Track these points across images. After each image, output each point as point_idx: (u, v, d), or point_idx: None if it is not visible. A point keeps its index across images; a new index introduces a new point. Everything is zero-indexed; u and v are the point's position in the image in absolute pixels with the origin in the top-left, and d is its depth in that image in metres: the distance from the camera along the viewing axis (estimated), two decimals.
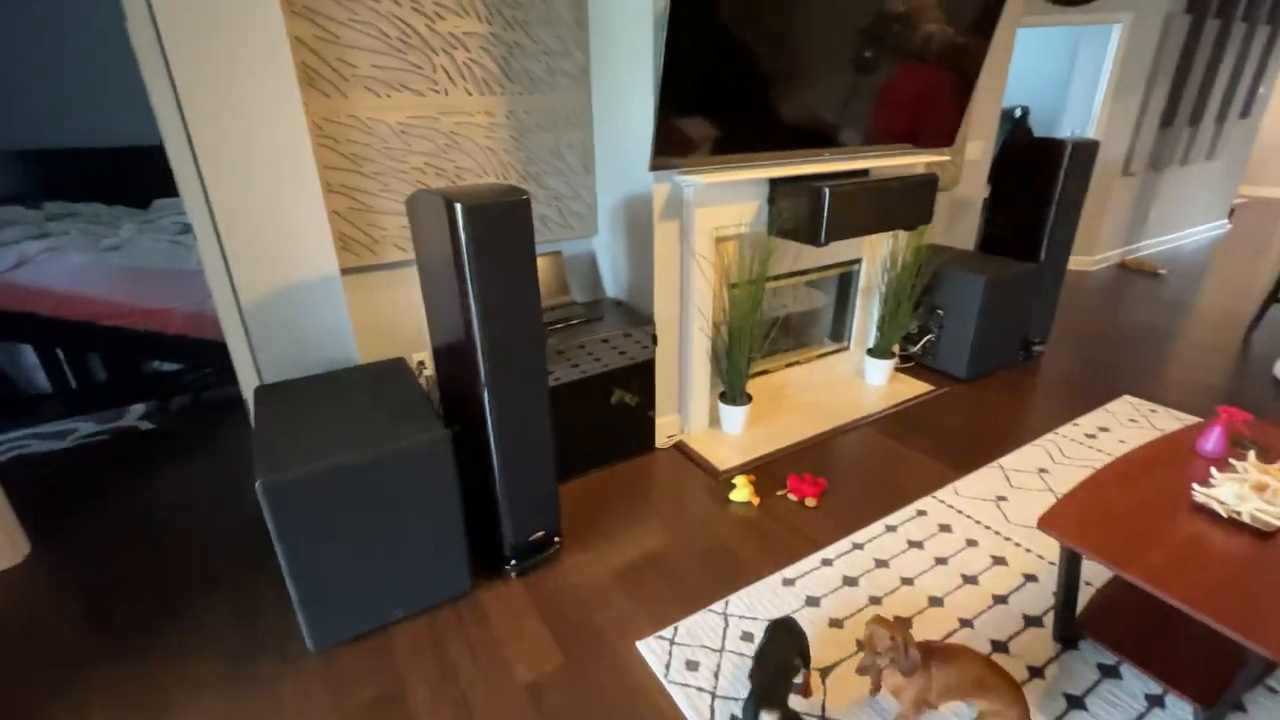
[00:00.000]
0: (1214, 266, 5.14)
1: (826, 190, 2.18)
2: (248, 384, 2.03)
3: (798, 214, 2.31)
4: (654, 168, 2.07)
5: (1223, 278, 4.83)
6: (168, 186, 3.76)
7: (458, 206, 1.43)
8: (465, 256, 1.48)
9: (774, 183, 2.39)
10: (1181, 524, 1.43)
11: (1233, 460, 1.62)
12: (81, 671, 1.62)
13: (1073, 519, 1.46)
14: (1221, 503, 1.45)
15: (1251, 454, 1.60)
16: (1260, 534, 1.38)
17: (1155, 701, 1.46)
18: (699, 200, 2.25)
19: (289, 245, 1.88)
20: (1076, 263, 5.07)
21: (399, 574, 1.68)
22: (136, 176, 4.00)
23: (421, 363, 2.36)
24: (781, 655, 1.35)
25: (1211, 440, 1.67)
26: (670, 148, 2.06)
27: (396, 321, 2.31)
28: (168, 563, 2.01)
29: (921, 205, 2.49)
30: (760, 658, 1.37)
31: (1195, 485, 1.52)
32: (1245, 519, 1.41)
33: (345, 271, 2.17)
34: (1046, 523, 1.45)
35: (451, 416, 1.95)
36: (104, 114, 3.55)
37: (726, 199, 2.32)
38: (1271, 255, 5.40)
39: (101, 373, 2.93)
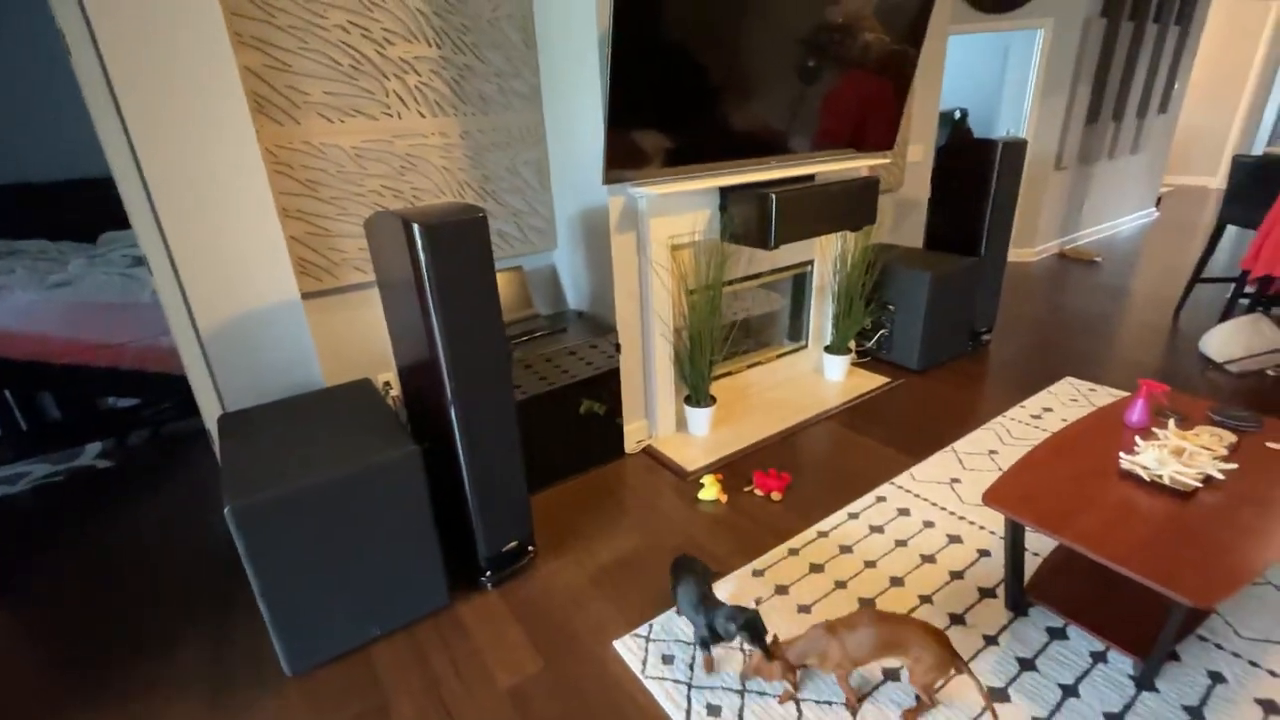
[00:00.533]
0: (1145, 252, 5.44)
1: (774, 196, 2.28)
2: (210, 414, 2.02)
3: (748, 220, 2.40)
4: (607, 181, 2.14)
5: (1153, 262, 5.12)
6: (116, 219, 3.68)
7: (416, 227, 1.48)
8: (425, 275, 1.52)
9: (724, 191, 2.49)
10: (1110, 490, 1.54)
11: (1155, 429, 1.75)
12: (56, 716, 1.58)
13: (1013, 493, 1.56)
14: (1145, 468, 1.57)
15: (1172, 422, 1.74)
16: (1179, 494, 1.51)
17: (1099, 658, 1.56)
18: (653, 211, 2.32)
19: (247, 272, 1.89)
20: (1019, 254, 5.32)
21: (375, 592, 1.69)
22: (82, 210, 3.91)
23: (387, 383, 2.37)
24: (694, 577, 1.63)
25: (1136, 412, 1.80)
26: (622, 161, 2.14)
27: (360, 343, 2.33)
28: (136, 601, 1.97)
29: (864, 207, 2.61)
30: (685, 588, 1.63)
31: (1122, 454, 1.64)
32: (1166, 481, 1.53)
33: (306, 296, 2.18)
34: (990, 498, 1.55)
35: (420, 434, 1.98)
36: (45, 148, 3.48)
37: (679, 208, 2.40)
38: (1197, 239, 5.74)
39: (54, 412, 2.86)
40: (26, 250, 3.58)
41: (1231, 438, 1.68)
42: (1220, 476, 1.53)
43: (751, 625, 1.43)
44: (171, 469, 2.75)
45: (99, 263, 3.50)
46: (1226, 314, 3.51)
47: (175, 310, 1.92)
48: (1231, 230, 5.88)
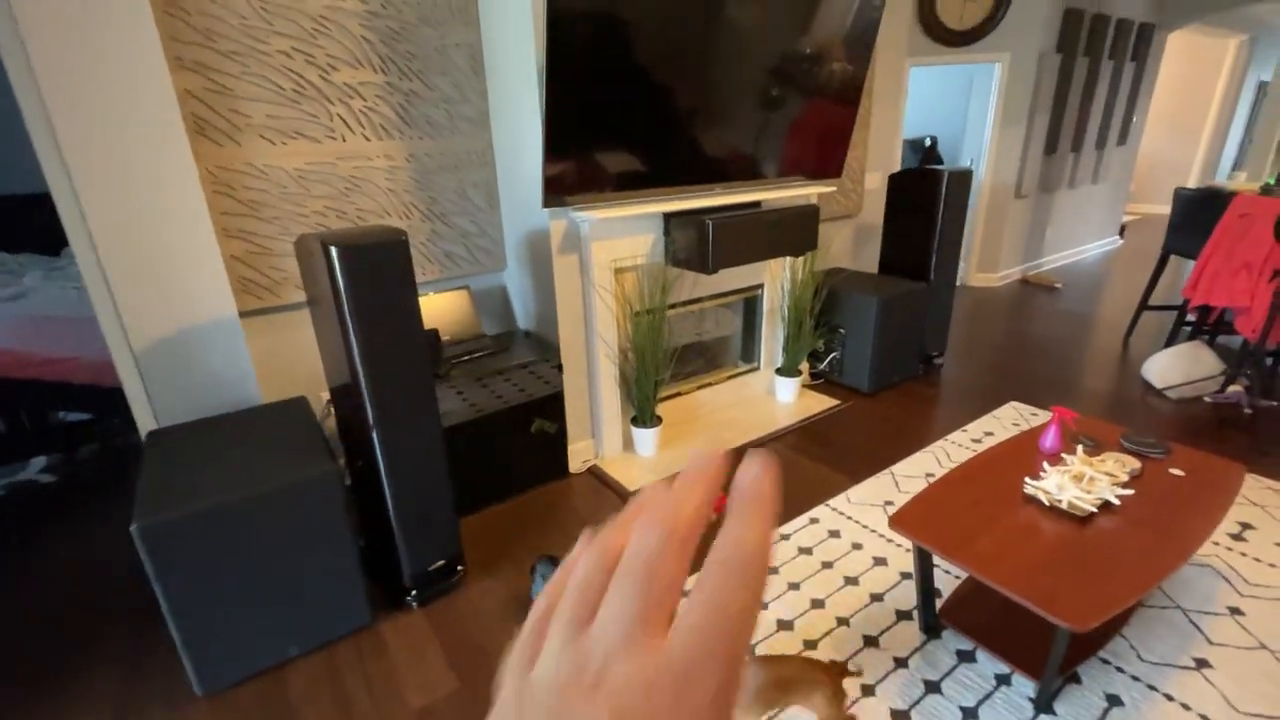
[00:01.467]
0: (1107, 279, 5.56)
1: (709, 222, 2.33)
2: (146, 429, 2.02)
3: (689, 245, 2.46)
4: (547, 205, 2.19)
5: (1113, 289, 5.24)
6: None
7: (333, 249, 1.51)
8: (343, 298, 1.55)
9: (668, 216, 2.54)
10: (1012, 515, 1.58)
11: (1065, 454, 1.80)
12: None
13: (919, 516, 1.60)
14: (1046, 493, 1.61)
15: (1080, 448, 1.78)
16: (1076, 519, 1.55)
17: (1003, 680, 1.59)
18: (595, 234, 2.37)
19: (182, 290, 1.91)
20: (982, 280, 5.42)
21: (293, 611, 1.69)
22: (47, 223, 3.91)
23: (330, 401, 2.38)
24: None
25: (1049, 438, 1.85)
26: (561, 186, 2.19)
27: (303, 361, 2.34)
28: (58, 617, 1.96)
29: (805, 233, 2.68)
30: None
31: (1026, 479, 1.68)
32: (1064, 506, 1.57)
33: (248, 313, 2.19)
34: (895, 522, 1.58)
35: (354, 453, 1.99)
36: (6, 161, 3.51)
37: (623, 232, 2.45)
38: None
39: (0, 425, 2.84)
40: None
41: (1135, 464, 1.73)
42: (1116, 502, 1.57)
43: None
44: (115, 484, 2.73)
45: (57, 276, 3.51)
46: (1171, 341, 3.60)
47: (110, 325, 1.94)
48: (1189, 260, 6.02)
